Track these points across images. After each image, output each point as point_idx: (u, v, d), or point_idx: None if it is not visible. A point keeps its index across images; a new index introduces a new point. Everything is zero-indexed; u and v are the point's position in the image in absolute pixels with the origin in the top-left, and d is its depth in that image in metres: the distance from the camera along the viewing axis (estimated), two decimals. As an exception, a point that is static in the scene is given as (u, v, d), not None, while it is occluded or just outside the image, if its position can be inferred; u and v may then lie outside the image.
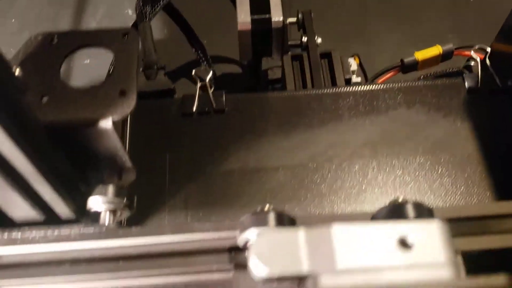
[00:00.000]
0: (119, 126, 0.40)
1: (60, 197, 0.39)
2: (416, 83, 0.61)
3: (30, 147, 0.34)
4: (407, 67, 0.72)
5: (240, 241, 0.36)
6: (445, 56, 0.73)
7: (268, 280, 0.28)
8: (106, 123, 0.38)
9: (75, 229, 0.41)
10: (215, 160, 0.56)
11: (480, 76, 0.60)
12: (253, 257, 0.28)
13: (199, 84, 0.57)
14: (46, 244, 0.41)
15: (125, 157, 0.42)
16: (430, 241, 0.27)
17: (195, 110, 0.57)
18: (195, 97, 0.58)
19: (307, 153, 0.57)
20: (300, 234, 0.29)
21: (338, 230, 0.28)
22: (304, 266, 0.28)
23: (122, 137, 0.41)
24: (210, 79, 0.56)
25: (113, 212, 0.43)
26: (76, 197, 0.41)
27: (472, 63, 0.68)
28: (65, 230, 0.41)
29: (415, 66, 0.73)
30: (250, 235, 0.33)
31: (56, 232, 0.41)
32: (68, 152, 0.40)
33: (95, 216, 0.42)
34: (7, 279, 0.40)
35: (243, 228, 0.35)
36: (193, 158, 0.57)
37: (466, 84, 0.61)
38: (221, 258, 0.41)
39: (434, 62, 0.74)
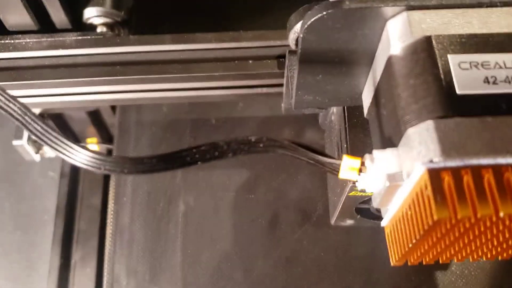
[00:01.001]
0: None
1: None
2: None
3: None
4: None
5: (291, 40, 0.34)
6: None
7: None
8: None
9: (70, 36, 0.40)
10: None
11: None
12: None
13: None
14: (40, 50, 0.40)
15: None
16: None
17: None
18: None
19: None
20: None
21: None
22: None
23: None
24: None
25: (110, 26, 0.42)
26: (74, 4, 0.40)
27: None
28: (60, 37, 0.40)
29: None
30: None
31: (50, 38, 0.40)
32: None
33: (92, 29, 0.41)
34: (2, 82, 0.39)
35: (293, 24, 0.33)
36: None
37: None
38: (224, 66, 0.40)
39: None
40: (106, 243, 0.49)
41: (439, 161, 0.22)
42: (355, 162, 0.26)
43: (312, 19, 0.26)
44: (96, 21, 0.41)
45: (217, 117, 0.50)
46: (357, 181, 0.27)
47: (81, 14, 0.41)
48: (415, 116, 0.24)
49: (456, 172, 0.22)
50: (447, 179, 0.22)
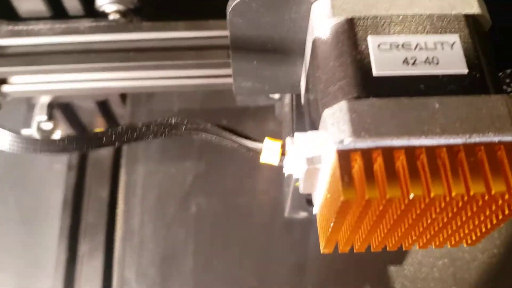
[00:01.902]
0: None
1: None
2: None
3: None
4: None
5: None
6: None
7: None
8: None
9: (84, 23, 0.41)
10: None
11: None
12: None
13: None
14: (54, 36, 0.41)
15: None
16: None
17: None
18: None
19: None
20: None
21: None
22: None
23: None
24: None
25: (123, 13, 0.42)
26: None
27: None
28: (73, 23, 0.41)
29: None
30: None
31: (64, 25, 0.41)
32: None
33: (104, 16, 0.42)
34: (15, 66, 0.40)
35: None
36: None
37: None
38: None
39: None
40: (116, 247, 0.50)
41: (349, 142, 0.22)
42: (276, 144, 0.26)
43: (235, 2, 0.26)
44: (109, 8, 0.43)
45: (230, 106, 0.50)
46: (283, 166, 0.26)
47: (93, 1, 0.42)
48: (331, 98, 0.24)
49: (367, 154, 0.22)
50: (358, 160, 0.22)
